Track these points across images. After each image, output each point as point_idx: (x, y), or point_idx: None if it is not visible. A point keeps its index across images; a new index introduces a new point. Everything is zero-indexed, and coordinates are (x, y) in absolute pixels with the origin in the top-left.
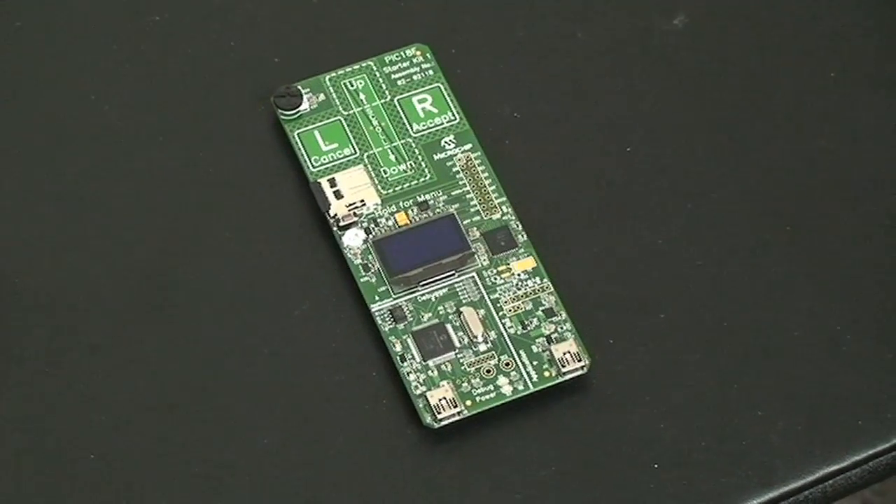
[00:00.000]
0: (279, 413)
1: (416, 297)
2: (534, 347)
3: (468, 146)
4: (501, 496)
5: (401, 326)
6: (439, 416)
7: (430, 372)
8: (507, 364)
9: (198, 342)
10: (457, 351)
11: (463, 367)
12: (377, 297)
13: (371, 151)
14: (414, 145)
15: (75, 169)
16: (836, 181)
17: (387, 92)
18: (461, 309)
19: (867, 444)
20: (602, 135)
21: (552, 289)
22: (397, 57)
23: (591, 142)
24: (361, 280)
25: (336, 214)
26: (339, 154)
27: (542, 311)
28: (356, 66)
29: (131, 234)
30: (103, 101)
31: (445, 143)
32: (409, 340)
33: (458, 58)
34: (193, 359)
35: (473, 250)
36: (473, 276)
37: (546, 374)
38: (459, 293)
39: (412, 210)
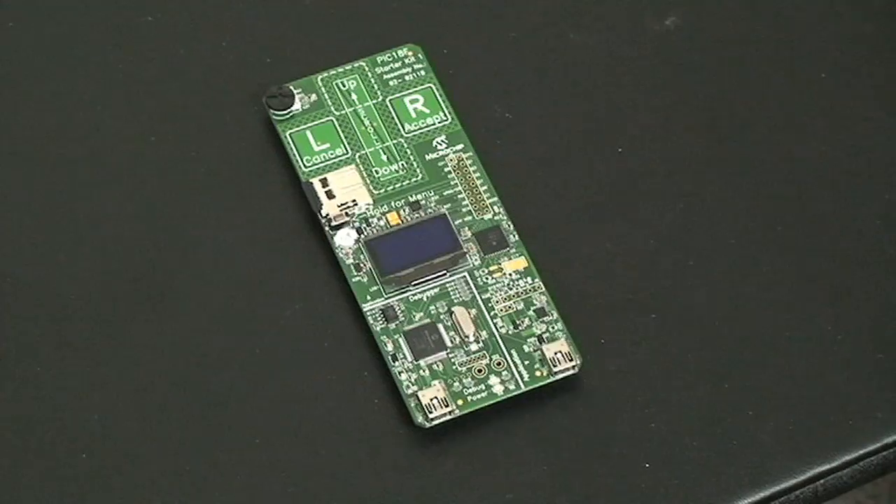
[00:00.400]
0: (271, 412)
1: (407, 296)
2: (525, 347)
3: (460, 146)
4: (493, 496)
5: (392, 326)
6: (431, 416)
7: (421, 371)
8: (499, 364)
9: (190, 341)
10: (448, 350)
11: (454, 367)
12: (369, 297)
13: (363, 151)
14: (406, 145)
15: (67, 169)
16: (827, 182)
17: (379, 92)
18: (453, 309)
19: (858, 445)
20: (593, 135)
21: (543, 289)
22: (389, 57)
23: (582, 142)
24: (353, 280)
25: (328, 214)
26: (331, 154)
27: (534, 310)
28: (348, 67)
29: (123, 233)
30: (96, 101)
31: (437, 143)
32: (400, 340)
33: (450, 58)
34: (185, 358)
35: (465, 250)
36: (465, 276)
37: (537, 373)
38: (451, 293)
39: (404, 210)
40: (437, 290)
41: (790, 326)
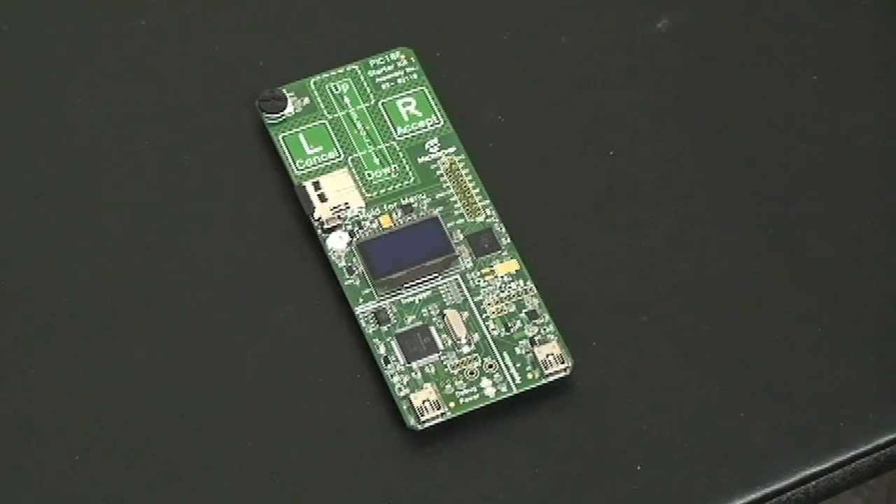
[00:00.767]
0: (263, 415)
1: (399, 299)
2: (517, 349)
3: (452, 149)
4: (485, 498)
5: (385, 329)
6: (423, 418)
7: (413, 374)
8: (491, 366)
9: (182, 344)
10: (440, 353)
11: (446, 369)
12: (361, 300)
13: (355, 155)
14: (398, 148)
15: (60, 172)
16: (819, 183)
17: (371, 95)
18: (445, 311)
19: (850, 446)
20: (585, 138)
21: (535, 291)
22: (382, 60)
23: (574, 145)
24: (345, 282)
25: (320, 217)
26: (324, 157)
27: (526, 313)
28: (341, 70)
29: (116, 236)
30: (89, 105)
31: (429, 146)
32: (392, 343)
33: (442, 61)
34: (177, 361)
35: (457, 253)
36: (457, 279)
37: (529, 375)
38: (443, 295)
39: (396, 213)
40: (429, 292)
41: (782, 328)
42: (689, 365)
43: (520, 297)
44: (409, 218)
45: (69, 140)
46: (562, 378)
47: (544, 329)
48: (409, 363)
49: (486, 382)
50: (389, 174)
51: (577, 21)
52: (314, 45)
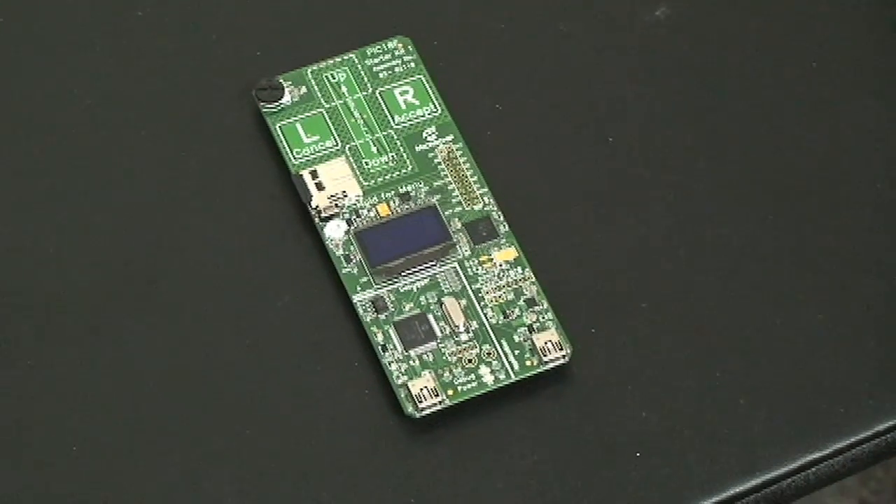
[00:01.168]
0: (261, 404)
1: (397, 287)
2: (515, 337)
3: (450, 138)
4: (483, 485)
5: (382, 317)
6: (421, 406)
7: (411, 362)
8: (489, 353)
9: (180, 334)
10: (438, 341)
11: (445, 357)
12: (359, 288)
13: (353, 143)
14: (395, 137)
15: (57, 163)
16: (817, 173)
17: (368, 84)
18: (443, 299)
19: (850, 432)
20: (584, 125)
21: (533, 278)
22: (379, 49)
23: (572, 133)
24: (343, 271)
25: (318, 206)
26: (321, 146)
27: (524, 300)
28: (338, 59)
29: (113, 226)
30: (86, 95)
31: (427, 134)
32: (390, 330)
33: (439, 50)
34: (175, 350)
35: (455, 241)
36: (455, 267)
37: (528, 363)
38: (441, 283)
39: (394, 201)
40: (427, 280)
41: (781, 314)
42: (687, 352)
43: (518, 285)
44: (406, 206)
45: (64, 132)
46: (560, 365)
47: (542, 316)
48: (407, 351)
49: (484, 370)
50: (387, 163)
51: (574, 9)
52: (311, 34)
